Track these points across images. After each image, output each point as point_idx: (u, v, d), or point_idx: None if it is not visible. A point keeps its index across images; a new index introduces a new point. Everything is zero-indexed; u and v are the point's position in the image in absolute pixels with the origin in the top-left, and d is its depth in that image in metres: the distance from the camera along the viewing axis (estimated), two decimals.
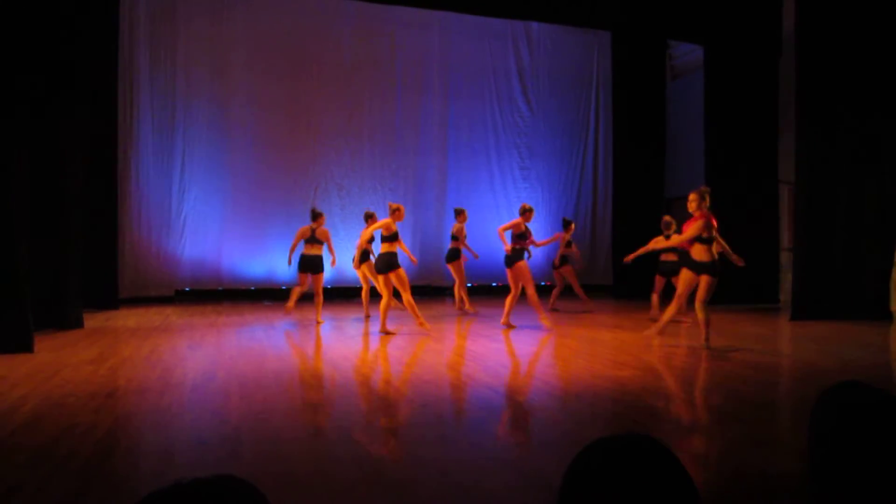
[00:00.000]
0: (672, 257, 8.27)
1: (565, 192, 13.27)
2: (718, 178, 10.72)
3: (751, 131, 10.71)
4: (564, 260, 9.96)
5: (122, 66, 10.26)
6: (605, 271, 13.13)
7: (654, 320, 8.24)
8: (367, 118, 11.98)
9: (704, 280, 6.26)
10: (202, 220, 11.14)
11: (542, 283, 12.56)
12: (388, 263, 7.26)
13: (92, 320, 8.16)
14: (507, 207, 12.88)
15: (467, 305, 9.58)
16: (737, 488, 2.92)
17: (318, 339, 7.39)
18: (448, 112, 12.50)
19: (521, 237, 7.79)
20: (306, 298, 9.16)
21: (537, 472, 3.06)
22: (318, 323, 8.38)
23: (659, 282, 8.64)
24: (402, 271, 7.32)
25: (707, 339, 6.39)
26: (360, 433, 3.73)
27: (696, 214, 6.32)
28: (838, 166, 8.82)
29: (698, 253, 6.27)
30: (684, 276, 6.45)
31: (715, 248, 6.30)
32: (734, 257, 6.46)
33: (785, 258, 10.83)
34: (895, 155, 8.63)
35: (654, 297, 8.70)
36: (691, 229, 6.28)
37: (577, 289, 9.92)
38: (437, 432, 3.82)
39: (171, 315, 9.18)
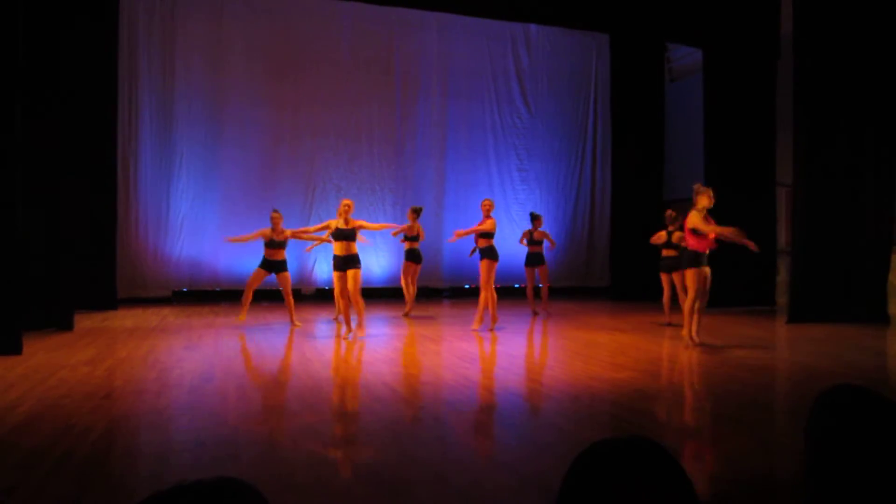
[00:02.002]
0: (672, 253, 8.14)
1: (563, 194, 13.28)
2: (716, 180, 10.70)
3: (749, 134, 10.74)
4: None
5: (121, 68, 10.24)
6: (602, 273, 13.14)
7: (670, 324, 8.07)
8: (366, 119, 11.97)
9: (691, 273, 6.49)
10: (200, 220, 11.13)
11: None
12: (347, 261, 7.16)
13: (89, 321, 8.14)
14: (505, 208, 12.87)
15: (407, 307, 9.48)
16: (735, 490, 2.92)
17: (315, 340, 7.38)
18: (446, 113, 12.50)
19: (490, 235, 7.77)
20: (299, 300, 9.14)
21: (535, 474, 3.06)
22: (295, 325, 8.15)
23: (665, 280, 8.32)
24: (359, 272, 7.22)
25: (694, 332, 6.52)
26: (358, 434, 3.73)
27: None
28: (835, 169, 8.84)
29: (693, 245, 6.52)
30: (689, 275, 6.60)
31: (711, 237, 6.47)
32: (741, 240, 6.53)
33: (782, 260, 10.85)
34: (892, 158, 8.66)
35: (665, 300, 8.35)
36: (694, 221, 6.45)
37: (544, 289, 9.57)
38: (434, 434, 3.82)
39: (168, 316, 9.16)
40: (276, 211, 8.32)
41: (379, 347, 6.88)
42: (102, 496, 2.81)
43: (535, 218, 9.58)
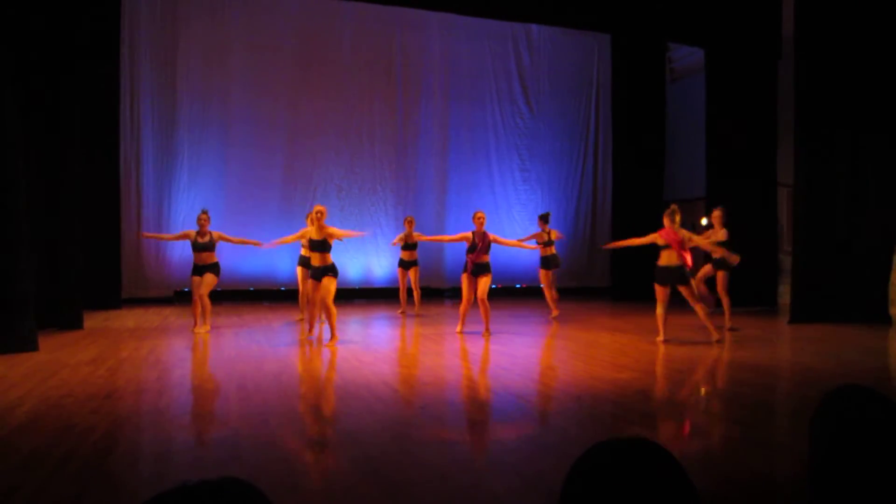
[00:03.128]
0: (720, 253, 7.80)
1: (565, 194, 13.28)
2: (718, 181, 10.75)
3: (750, 134, 10.73)
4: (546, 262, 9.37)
5: (123, 67, 10.27)
6: (603, 274, 13.13)
7: (734, 329, 7.97)
8: (367, 119, 11.98)
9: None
10: None
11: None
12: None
13: (91, 320, 8.15)
14: (506, 209, 12.88)
15: (416, 308, 9.63)
16: (736, 491, 2.92)
17: (316, 340, 7.38)
18: (448, 113, 12.51)
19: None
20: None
21: (537, 474, 3.06)
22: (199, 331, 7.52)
23: (720, 277, 8.06)
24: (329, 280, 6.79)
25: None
26: (359, 435, 3.72)
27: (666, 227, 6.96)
28: (837, 169, 8.83)
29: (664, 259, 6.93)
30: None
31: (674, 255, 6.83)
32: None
33: (783, 261, 10.84)
34: (893, 158, 8.65)
35: (723, 299, 8.13)
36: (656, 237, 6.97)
37: (550, 294, 9.30)
38: (436, 434, 3.82)
39: (169, 316, 9.17)
40: (203, 212, 7.76)
41: (380, 347, 6.88)
42: (104, 497, 2.81)
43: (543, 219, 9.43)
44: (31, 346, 5.98)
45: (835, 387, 1.06)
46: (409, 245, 9.53)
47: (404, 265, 9.59)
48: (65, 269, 7.46)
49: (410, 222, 9.64)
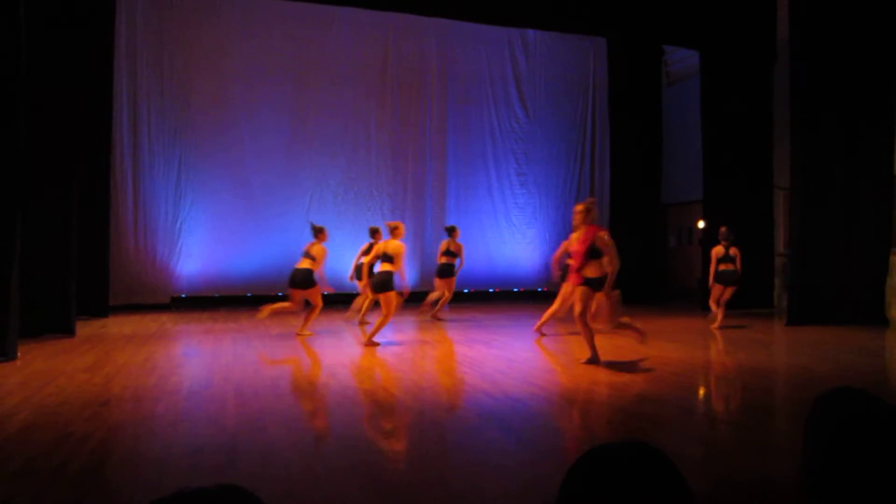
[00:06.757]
0: (730, 266, 8.29)
1: (562, 198, 13.29)
2: (714, 184, 10.79)
3: (746, 137, 10.77)
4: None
5: (118, 74, 10.25)
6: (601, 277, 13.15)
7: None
8: (364, 125, 11.99)
9: (597, 296, 5.87)
10: (198, 226, 11.13)
11: (539, 290, 12.57)
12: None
13: (87, 328, 8.12)
14: (504, 213, 12.90)
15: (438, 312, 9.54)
16: (734, 494, 2.92)
17: (314, 346, 7.37)
18: (445, 118, 12.53)
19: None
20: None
21: (536, 478, 3.06)
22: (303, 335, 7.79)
23: (716, 290, 8.49)
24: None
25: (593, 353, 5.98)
26: (357, 441, 3.72)
27: (583, 228, 5.85)
28: (833, 172, 8.87)
29: (591, 270, 5.85)
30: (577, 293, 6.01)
31: (606, 263, 5.82)
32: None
33: (780, 263, 10.86)
34: (890, 160, 8.69)
35: (713, 305, 8.59)
36: (578, 244, 5.85)
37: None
38: (435, 439, 3.82)
39: (166, 322, 9.14)
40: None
41: (378, 352, 6.87)
42: None
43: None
44: (11, 356, 5.91)
45: (828, 389, 1.07)
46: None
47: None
48: (62, 275, 7.42)
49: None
